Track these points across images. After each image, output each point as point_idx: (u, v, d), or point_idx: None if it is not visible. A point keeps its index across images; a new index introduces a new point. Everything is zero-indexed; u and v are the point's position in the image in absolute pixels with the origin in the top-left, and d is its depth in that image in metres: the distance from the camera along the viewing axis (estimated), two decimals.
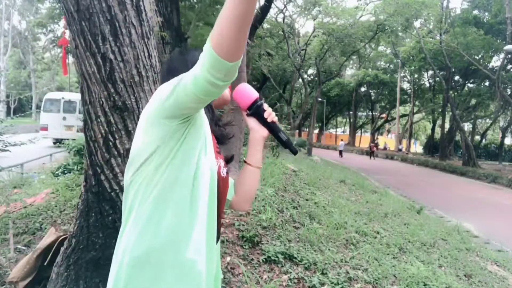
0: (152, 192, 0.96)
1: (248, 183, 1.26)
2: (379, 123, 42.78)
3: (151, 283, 0.94)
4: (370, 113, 43.07)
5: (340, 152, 28.29)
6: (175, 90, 0.91)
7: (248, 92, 1.18)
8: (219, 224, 1.14)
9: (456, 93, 26.60)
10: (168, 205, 0.96)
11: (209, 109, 1.19)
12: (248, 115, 1.23)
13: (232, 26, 0.79)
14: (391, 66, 37.42)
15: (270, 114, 1.21)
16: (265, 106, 1.20)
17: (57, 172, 6.23)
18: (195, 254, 0.96)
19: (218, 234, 1.12)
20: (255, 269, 2.97)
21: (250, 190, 1.27)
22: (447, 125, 28.83)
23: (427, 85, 34.08)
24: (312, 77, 36.27)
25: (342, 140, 32.38)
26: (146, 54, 1.79)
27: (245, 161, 1.26)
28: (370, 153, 29.42)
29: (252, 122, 1.23)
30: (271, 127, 1.22)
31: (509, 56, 20.51)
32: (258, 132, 1.22)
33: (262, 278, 2.84)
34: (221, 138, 1.25)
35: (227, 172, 1.20)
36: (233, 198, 1.28)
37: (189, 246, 0.96)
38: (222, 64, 0.81)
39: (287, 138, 1.22)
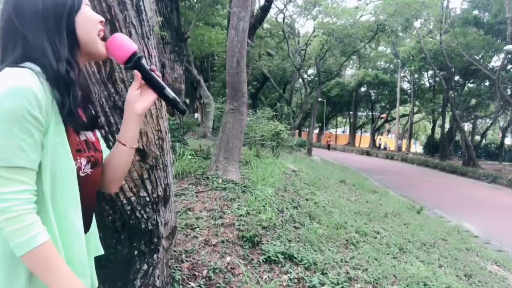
0: None
1: (119, 164, 1.11)
2: (379, 123, 42.82)
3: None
4: (370, 113, 43.11)
5: None
6: None
7: (125, 43, 1.05)
8: (89, 217, 1.08)
9: (456, 93, 26.60)
10: None
11: (68, 86, 0.93)
12: (126, 69, 1.10)
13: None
14: (391, 66, 37.46)
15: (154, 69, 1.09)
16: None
17: None
18: None
19: (88, 227, 1.07)
20: (255, 269, 2.97)
21: (120, 172, 1.14)
22: (447, 125, 28.83)
23: (427, 85, 34.10)
24: (312, 77, 36.31)
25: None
26: (146, 54, 1.79)
27: (118, 140, 1.10)
28: (327, 146, 37.51)
29: (131, 87, 1.07)
30: (155, 84, 1.07)
31: (509, 56, 20.52)
32: (135, 103, 1.06)
33: (262, 278, 2.84)
34: (90, 125, 1.06)
35: (92, 168, 1.03)
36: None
37: None
38: None
39: (174, 96, 1.08)
